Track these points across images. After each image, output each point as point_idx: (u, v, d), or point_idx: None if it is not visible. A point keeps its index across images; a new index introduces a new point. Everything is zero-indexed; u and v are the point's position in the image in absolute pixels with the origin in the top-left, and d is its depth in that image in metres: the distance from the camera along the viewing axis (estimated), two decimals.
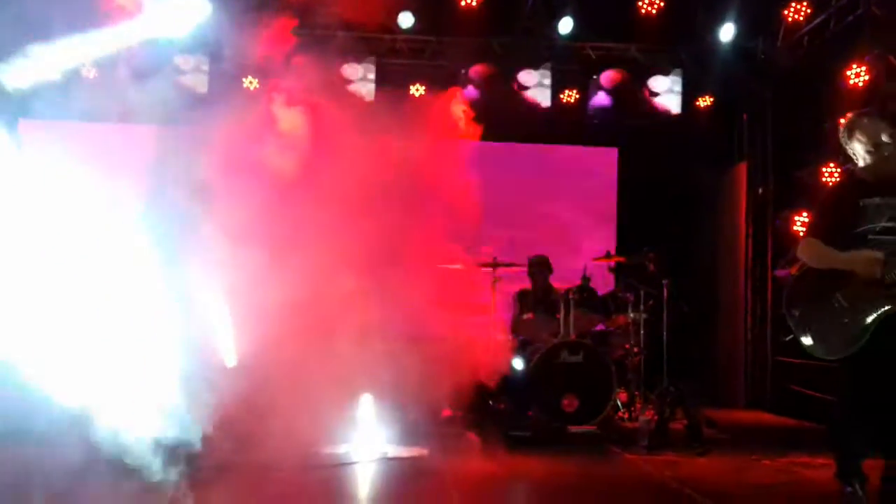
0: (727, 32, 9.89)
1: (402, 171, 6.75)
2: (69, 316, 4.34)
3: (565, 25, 9.96)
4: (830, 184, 8.27)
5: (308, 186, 6.48)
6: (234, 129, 6.30)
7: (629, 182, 11.40)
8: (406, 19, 9.82)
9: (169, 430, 4.52)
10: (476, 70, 10.32)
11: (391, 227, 6.63)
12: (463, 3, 9.66)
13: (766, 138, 10.66)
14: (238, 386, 4.91)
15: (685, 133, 10.79)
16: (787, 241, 9.08)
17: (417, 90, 10.22)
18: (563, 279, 8.87)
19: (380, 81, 10.07)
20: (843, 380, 4.66)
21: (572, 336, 8.04)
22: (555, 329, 8.22)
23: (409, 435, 6.79)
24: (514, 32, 10.34)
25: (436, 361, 6.66)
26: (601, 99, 10.63)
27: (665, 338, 8.13)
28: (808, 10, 9.24)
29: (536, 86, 10.42)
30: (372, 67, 10.07)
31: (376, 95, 9.87)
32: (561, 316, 8.13)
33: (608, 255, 8.98)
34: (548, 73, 10.45)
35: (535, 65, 10.44)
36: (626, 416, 8.33)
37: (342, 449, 6.46)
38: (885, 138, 4.53)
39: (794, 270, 4.88)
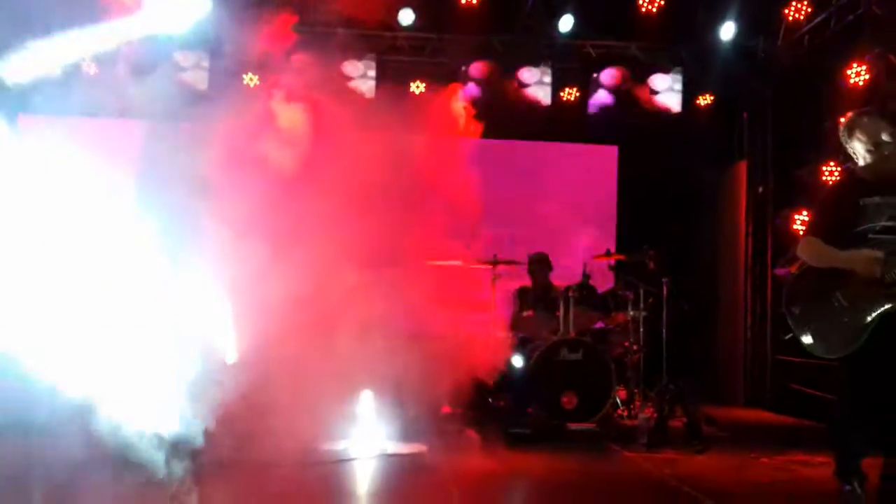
0: (728, 31, 9.89)
1: (403, 168, 6.74)
2: (71, 309, 4.35)
3: (566, 23, 9.96)
4: (830, 183, 8.27)
5: (308, 183, 6.48)
6: (234, 125, 6.29)
7: (629, 180, 11.40)
8: (406, 16, 9.82)
9: (171, 426, 4.53)
10: (476, 67, 10.31)
11: (391, 225, 6.63)
12: (463, 1, 9.66)
13: (766, 137, 10.67)
14: (239, 382, 4.91)
15: (685, 131, 10.78)
16: (787, 239, 9.08)
17: (418, 87, 10.21)
18: (562, 277, 8.88)
19: (380, 78, 10.06)
20: (842, 378, 4.66)
21: (572, 334, 8.04)
22: (554, 327, 8.22)
23: (409, 432, 6.80)
24: (514, 30, 10.34)
25: (436, 358, 6.67)
26: (601, 97, 10.62)
27: (665, 336, 8.13)
28: (809, 9, 9.23)
29: (537, 83, 10.41)
30: (372, 64, 10.06)
31: (377, 92, 9.86)
32: (561, 313, 8.13)
33: (608, 253, 8.99)
34: (548, 70, 10.45)
35: (535, 62, 10.43)
36: (625, 413, 8.33)
37: (342, 445, 6.46)
38: (885, 137, 4.52)
39: (793, 269, 4.88)
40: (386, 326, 6.61)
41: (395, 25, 9.89)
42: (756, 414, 9.93)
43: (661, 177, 10.97)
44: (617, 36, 10.41)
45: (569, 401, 7.71)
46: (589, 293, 8.61)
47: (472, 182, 7.18)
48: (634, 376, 8.45)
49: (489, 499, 5.55)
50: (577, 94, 10.67)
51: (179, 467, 4.57)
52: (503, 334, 8.40)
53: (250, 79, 9.43)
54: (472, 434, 7.52)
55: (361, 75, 10.00)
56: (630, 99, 10.60)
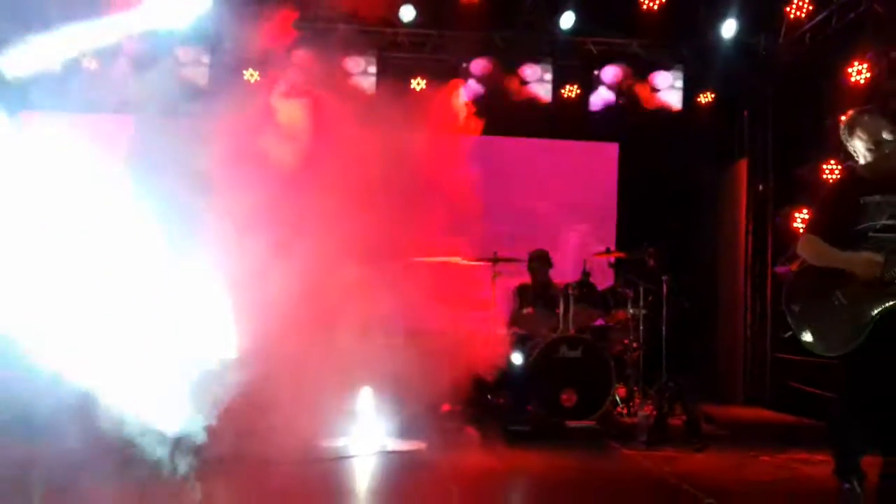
0: (729, 28, 9.89)
1: (403, 165, 6.73)
2: (74, 305, 4.34)
3: (567, 20, 9.96)
4: (831, 181, 8.27)
5: (308, 179, 6.47)
6: (234, 121, 6.28)
7: (630, 178, 11.40)
8: (407, 13, 9.82)
9: (174, 423, 4.53)
10: (477, 64, 10.31)
11: (391, 221, 6.62)
12: None
13: (766, 135, 10.66)
14: (240, 379, 4.90)
15: (686, 129, 10.78)
16: (787, 237, 9.08)
17: (418, 84, 10.20)
18: (562, 274, 8.88)
19: (381, 75, 10.06)
20: (842, 377, 4.65)
21: (571, 331, 8.04)
22: (554, 324, 8.22)
23: (409, 429, 6.79)
24: (515, 26, 10.33)
25: (435, 355, 6.66)
26: (602, 94, 10.61)
27: (664, 333, 8.12)
28: (810, 7, 9.23)
29: (537, 80, 10.41)
30: (373, 61, 10.05)
31: (377, 89, 9.86)
32: (560, 311, 8.13)
33: (608, 251, 8.99)
34: (549, 67, 10.44)
35: (536, 59, 10.43)
36: (624, 411, 8.34)
37: (341, 442, 6.46)
38: (885, 136, 4.51)
39: (794, 267, 4.87)
40: (386, 323, 6.61)
41: (395, 22, 9.89)
42: (755, 412, 9.93)
43: (662, 174, 10.97)
44: (618, 33, 10.41)
45: (568, 398, 7.71)
46: (589, 291, 8.61)
47: (472, 179, 7.17)
48: (634, 374, 8.45)
49: (488, 496, 5.55)
50: (578, 91, 10.66)
51: (182, 464, 4.57)
52: (503, 331, 8.39)
53: (251, 75, 9.41)
54: (471, 431, 7.52)
55: (362, 71, 9.99)
56: (631, 96, 10.59)
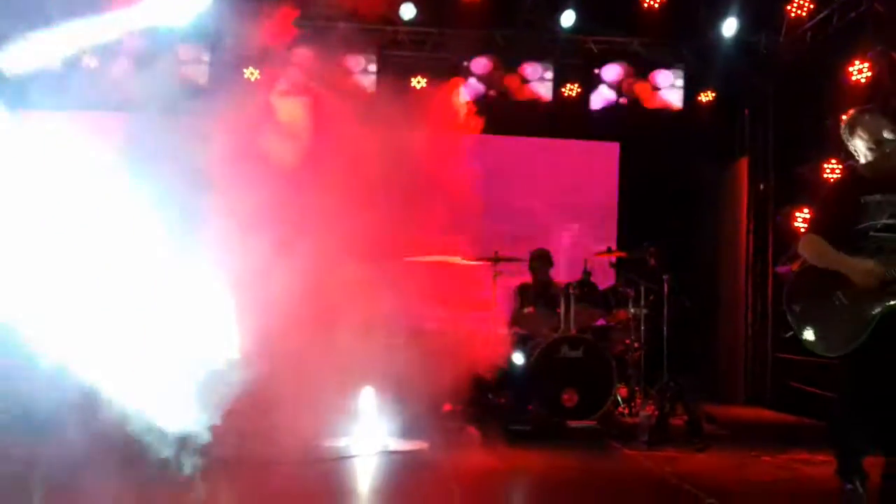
0: (730, 27, 9.87)
1: (403, 164, 6.72)
2: (77, 303, 4.34)
3: (567, 18, 9.94)
4: (832, 180, 8.25)
5: (308, 178, 6.46)
6: (234, 119, 6.27)
7: (630, 177, 11.40)
8: (408, 11, 9.80)
9: (178, 423, 4.52)
10: (478, 63, 10.31)
11: (391, 220, 6.61)
12: None
13: (767, 134, 10.66)
14: (242, 379, 4.89)
15: (687, 128, 10.77)
16: (788, 237, 9.07)
17: (419, 82, 10.19)
18: (563, 274, 8.86)
19: (381, 73, 10.05)
20: (843, 377, 4.65)
21: (573, 331, 8.03)
22: (555, 324, 8.21)
23: (410, 429, 6.78)
24: (516, 25, 10.32)
25: (436, 355, 6.65)
26: (603, 93, 10.60)
27: (665, 333, 8.10)
28: (811, 6, 9.23)
29: (538, 79, 10.40)
30: (374, 59, 10.04)
31: (378, 87, 9.85)
32: (561, 310, 8.12)
33: (609, 250, 8.97)
34: (550, 66, 10.43)
35: (537, 58, 10.42)
36: (626, 411, 8.32)
37: (343, 442, 6.45)
38: (886, 135, 4.51)
39: (795, 266, 4.87)
40: (387, 323, 6.60)
41: (396, 20, 9.88)
42: (756, 412, 9.92)
43: (663, 173, 10.96)
44: (619, 32, 10.40)
45: (569, 398, 7.69)
46: (590, 290, 8.61)
47: (472, 178, 7.16)
48: (635, 374, 8.44)
49: (489, 496, 5.54)
50: (579, 89, 10.64)
51: (186, 464, 4.56)
52: (504, 331, 8.38)
53: (251, 73, 9.40)
54: (472, 431, 7.51)
55: (362, 70, 9.98)
56: (631, 95, 10.58)
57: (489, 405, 8.23)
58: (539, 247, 8.93)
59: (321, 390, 5.98)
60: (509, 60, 10.42)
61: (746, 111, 10.98)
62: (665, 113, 10.60)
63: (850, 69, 8.37)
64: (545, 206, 10.87)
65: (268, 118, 6.81)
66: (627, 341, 8.49)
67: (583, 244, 10.04)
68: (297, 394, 5.74)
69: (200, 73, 9.62)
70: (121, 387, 4.39)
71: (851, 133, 4.64)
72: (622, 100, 10.59)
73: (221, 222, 5.57)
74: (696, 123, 10.79)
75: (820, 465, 5.90)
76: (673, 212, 10.85)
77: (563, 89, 10.58)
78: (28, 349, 4.21)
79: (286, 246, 5.94)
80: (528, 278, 8.81)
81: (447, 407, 7.88)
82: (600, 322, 8.81)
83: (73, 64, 6.74)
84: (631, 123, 10.84)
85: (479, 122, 8.16)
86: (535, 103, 10.47)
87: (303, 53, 8.24)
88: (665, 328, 8.12)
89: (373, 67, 10.03)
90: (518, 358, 7.92)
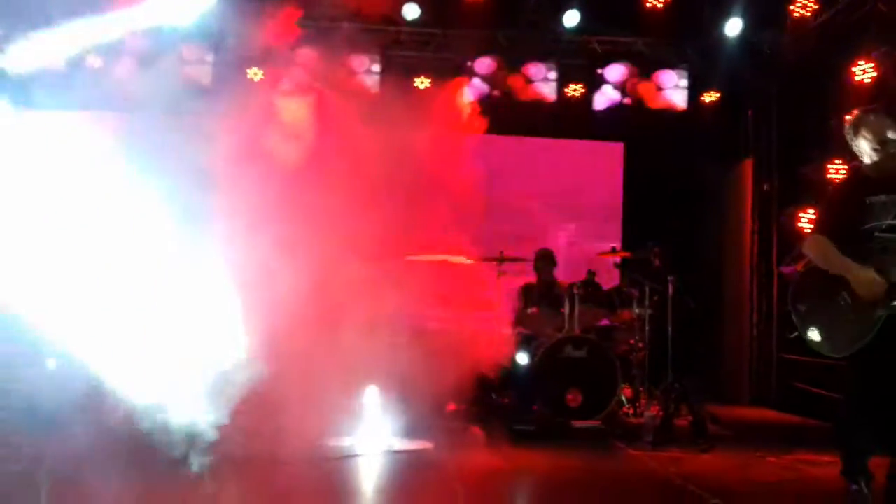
0: (734, 27, 9.86)
1: (407, 163, 6.72)
2: (86, 302, 4.34)
3: (571, 18, 9.94)
4: (836, 180, 8.24)
5: (312, 178, 6.46)
6: (238, 120, 6.27)
7: (635, 177, 11.39)
8: (411, 11, 9.80)
9: (185, 421, 4.53)
10: (481, 63, 10.31)
11: (395, 220, 6.60)
12: None
13: (771, 134, 10.64)
14: (249, 378, 4.90)
15: (691, 128, 10.76)
16: (793, 237, 9.06)
17: (422, 82, 10.19)
18: (567, 274, 8.85)
19: (385, 73, 10.05)
20: (848, 377, 4.63)
21: (577, 331, 8.02)
22: (559, 324, 8.20)
23: (414, 428, 6.78)
24: (519, 25, 10.33)
25: (441, 355, 6.64)
26: (607, 93, 10.59)
27: (670, 333, 8.09)
28: (816, 6, 9.21)
29: (542, 79, 10.40)
30: (377, 59, 10.04)
31: (381, 87, 9.85)
32: (566, 310, 8.11)
33: (613, 251, 8.97)
34: (553, 66, 10.43)
35: (540, 58, 10.41)
36: (630, 411, 8.31)
37: (348, 441, 6.45)
38: (891, 135, 4.50)
39: (799, 267, 4.85)
40: (391, 322, 6.60)
41: (399, 20, 9.88)
42: (761, 412, 9.90)
43: (667, 174, 10.95)
44: (623, 32, 10.40)
45: (573, 398, 7.68)
46: (594, 290, 8.60)
47: (476, 178, 7.15)
48: (639, 374, 8.43)
49: (494, 495, 5.53)
50: (583, 90, 10.63)
51: (193, 462, 4.57)
52: (508, 331, 8.36)
53: (254, 73, 9.40)
54: (476, 431, 7.50)
55: (366, 70, 9.99)
56: (635, 95, 10.58)
57: (493, 405, 8.22)
58: (543, 247, 8.92)
59: (326, 390, 5.97)
60: (513, 61, 10.42)
61: (750, 111, 10.96)
62: (669, 113, 10.60)
63: (855, 69, 8.37)
64: (549, 206, 10.86)
65: (271, 118, 6.81)
66: (632, 341, 8.48)
67: (587, 244, 10.03)
68: (303, 393, 5.74)
69: (204, 74, 9.63)
70: (130, 386, 4.41)
71: (856, 133, 4.63)
72: (626, 100, 10.59)
73: (225, 223, 5.57)
74: (700, 124, 10.78)
75: (825, 466, 5.89)
76: (677, 212, 10.84)
77: (566, 89, 10.58)
78: (37, 348, 4.23)
79: (291, 246, 5.93)
80: (532, 278, 8.80)
81: (451, 407, 7.88)
82: (604, 322, 8.80)
83: (76, 64, 6.74)
84: (635, 124, 10.83)
85: (482, 123, 8.15)
86: (538, 103, 10.47)
87: (306, 53, 8.26)
88: (669, 328, 8.11)
89: (376, 67, 10.03)
90: (522, 358, 7.92)
